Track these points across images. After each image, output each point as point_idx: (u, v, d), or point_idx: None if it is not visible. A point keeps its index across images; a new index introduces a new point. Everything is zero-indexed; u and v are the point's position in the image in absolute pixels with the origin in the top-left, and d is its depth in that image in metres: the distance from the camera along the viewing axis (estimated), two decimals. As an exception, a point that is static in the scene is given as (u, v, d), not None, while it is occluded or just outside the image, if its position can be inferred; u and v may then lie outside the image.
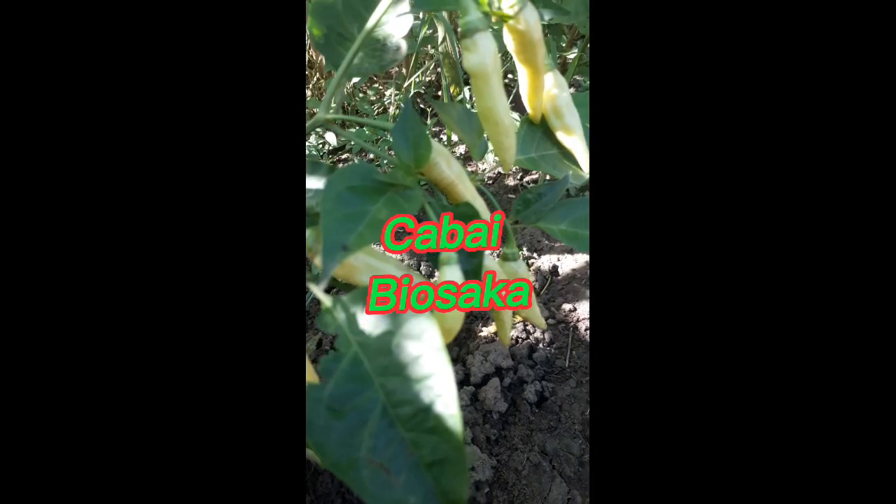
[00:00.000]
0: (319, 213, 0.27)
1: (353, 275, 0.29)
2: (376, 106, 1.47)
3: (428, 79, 1.55)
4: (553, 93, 0.38)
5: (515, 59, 0.34)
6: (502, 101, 0.30)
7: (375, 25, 0.34)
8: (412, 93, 1.49)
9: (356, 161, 1.35)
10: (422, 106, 1.55)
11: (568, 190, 1.09)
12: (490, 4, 0.33)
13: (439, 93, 1.59)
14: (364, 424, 0.22)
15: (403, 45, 0.36)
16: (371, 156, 1.31)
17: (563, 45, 1.13)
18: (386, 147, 1.17)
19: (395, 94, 1.39)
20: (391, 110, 1.40)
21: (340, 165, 1.36)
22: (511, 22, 0.31)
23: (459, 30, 0.28)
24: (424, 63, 1.44)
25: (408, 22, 0.35)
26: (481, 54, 0.28)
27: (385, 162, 1.17)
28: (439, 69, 1.36)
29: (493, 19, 0.32)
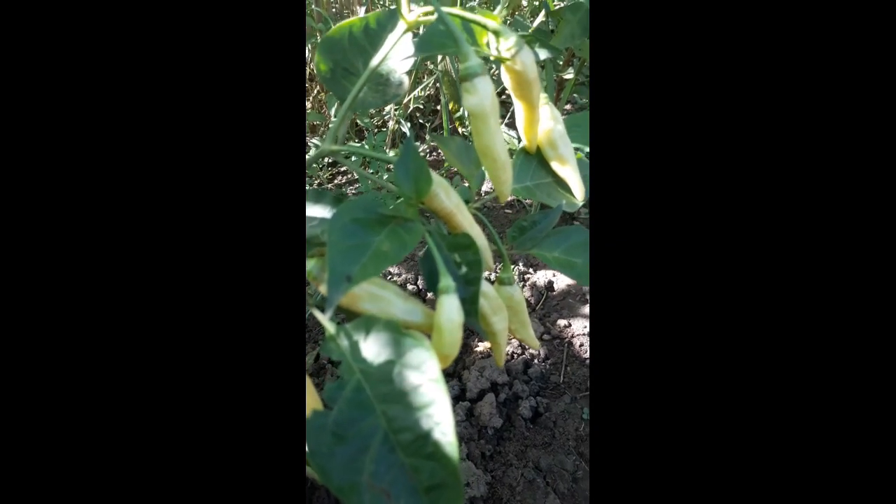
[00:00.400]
0: (325, 242, 0.28)
1: (355, 303, 0.31)
2: (376, 119, 1.49)
3: (427, 93, 1.58)
4: (548, 125, 0.40)
5: (512, 95, 0.36)
6: (499, 139, 0.31)
7: (381, 62, 0.35)
8: (411, 108, 1.51)
9: (354, 174, 1.36)
10: (420, 121, 1.57)
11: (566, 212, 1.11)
12: (489, 45, 0.35)
13: (438, 107, 1.62)
14: (366, 450, 0.24)
15: (406, 80, 0.37)
16: (370, 170, 1.33)
17: (560, 63, 1.16)
18: (385, 166, 1.19)
19: (395, 109, 1.41)
20: (390, 124, 1.42)
21: (339, 178, 1.38)
22: (508, 63, 0.33)
23: (460, 74, 0.30)
24: (424, 78, 1.47)
25: (410, 62, 0.36)
26: (480, 97, 0.29)
27: (384, 178, 1.19)
28: (438, 84, 1.38)
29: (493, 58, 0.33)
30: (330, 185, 1.37)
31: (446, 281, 0.30)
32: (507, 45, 0.32)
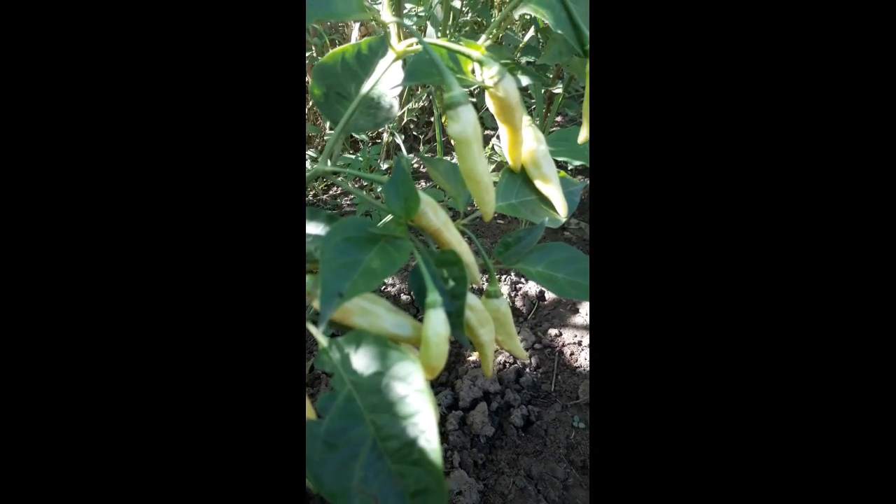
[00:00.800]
0: (318, 259, 0.30)
1: (347, 317, 0.32)
2: (370, 132, 1.52)
3: (421, 105, 1.61)
4: (531, 146, 0.42)
5: (497, 119, 0.38)
6: (482, 163, 0.33)
7: (372, 87, 0.38)
8: (405, 120, 1.54)
9: (349, 185, 1.38)
10: (414, 133, 1.60)
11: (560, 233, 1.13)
12: (474, 72, 0.37)
13: (431, 119, 1.65)
14: (356, 457, 0.25)
15: (396, 104, 0.39)
16: (365, 183, 1.35)
17: (550, 77, 1.19)
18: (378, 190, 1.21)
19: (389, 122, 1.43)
20: (385, 136, 1.44)
21: (334, 189, 1.39)
22: (492, 90, 0.35)
23: (444, 103, 0.32)
24: (418, 91, 1.50)
25: (400, 88, 0.38)
26: (463, 124, 0.31)
27: (378, 189, 1.21)
28: (431, 97, 1.41)
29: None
30: (325, 196, 1.38)
31: (433, 296, 0.32)
32: (490, 73, 0.34)
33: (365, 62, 0.40)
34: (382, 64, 0.39)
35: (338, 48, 0.40)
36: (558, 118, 1.64)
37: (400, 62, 0.38)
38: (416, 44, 0.35)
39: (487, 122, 1.46)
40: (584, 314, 0.98)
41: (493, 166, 1.22)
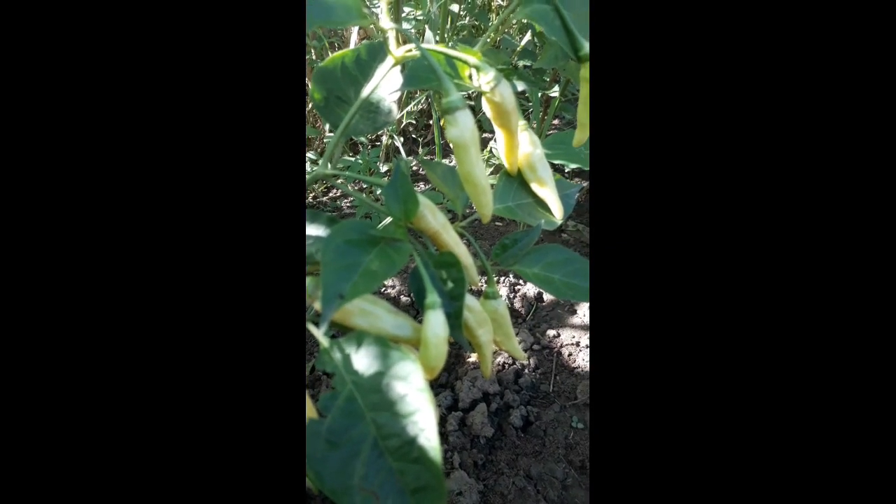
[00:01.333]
0: (319, 261, 0.30)
1: (348, 318, 0.33)
2: (369, 135, 1.52)
3: (420, 108, 1.61)
4: (527, 150, 0.42)
5: (493, 123, 0.39)
6: (480, 166, 0.34)
7: (371, 92, 0.38)
8: (404, 122, 1.54)
9: (348, 188, 1.38)
10: (413, 136, 1.61)
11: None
12: (471, 77, 0.38)
13: (430, 122, 1.66)
14: (357, 455, 0.26)
15: (395, 108, 0.40)
16: (364, 185, 1.36)
17: (546, 80, 1.19)
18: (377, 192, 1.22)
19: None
20: (384, 139, 1.45)
21: (334, 192, 1.40)
22: (488, 95, 0.35)
23: (442, 107, 0.32)
24: (417, 94, 1.50)
25: (398, 93, 0.39)
26: (461, 129, 0.32)
27: (378, 192, 1.22)
28: (430, 100, 1.42)
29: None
30: (325, 199, 1.39)
31: (432, 297, 0.33)
32: (486, 79, 0.35)
33: (364, 67, 0.41)
34: (382, 69, 0.39)
35: (337, 53, 0.40)
36: (555, 121, 1.65)
37: (399, 67, 0.39)
38: (415, 49, 0.36)
39: (485, 126, 1.47)
40: (581, 315, 0.98)
41: (490, 169, 1.23)
